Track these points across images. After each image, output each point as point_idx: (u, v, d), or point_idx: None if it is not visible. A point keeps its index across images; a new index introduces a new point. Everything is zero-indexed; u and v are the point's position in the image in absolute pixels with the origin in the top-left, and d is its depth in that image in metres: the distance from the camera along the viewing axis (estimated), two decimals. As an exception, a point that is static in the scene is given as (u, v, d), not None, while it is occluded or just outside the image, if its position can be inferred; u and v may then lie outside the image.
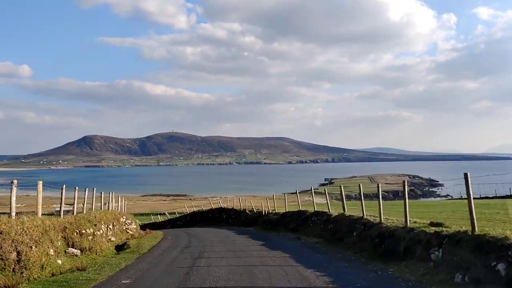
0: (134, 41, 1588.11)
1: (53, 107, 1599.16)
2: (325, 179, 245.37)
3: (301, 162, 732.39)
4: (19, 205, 15.86)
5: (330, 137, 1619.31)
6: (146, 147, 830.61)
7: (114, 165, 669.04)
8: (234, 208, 38.41)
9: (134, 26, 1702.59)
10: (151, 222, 55.45)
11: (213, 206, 45.73)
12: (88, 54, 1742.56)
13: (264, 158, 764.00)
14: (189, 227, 40.03)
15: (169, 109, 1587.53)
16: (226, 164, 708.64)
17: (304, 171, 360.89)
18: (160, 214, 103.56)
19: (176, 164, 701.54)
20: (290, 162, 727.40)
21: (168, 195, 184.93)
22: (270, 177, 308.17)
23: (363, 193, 18.47)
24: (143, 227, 43.07)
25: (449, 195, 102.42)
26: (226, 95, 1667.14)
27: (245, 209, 35.86)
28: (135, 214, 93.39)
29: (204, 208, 29.88)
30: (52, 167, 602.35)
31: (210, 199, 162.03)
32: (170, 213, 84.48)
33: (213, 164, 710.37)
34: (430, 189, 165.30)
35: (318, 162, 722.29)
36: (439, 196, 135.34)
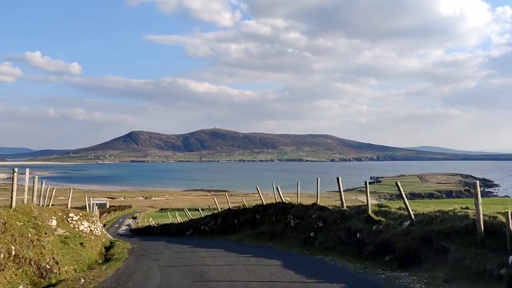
0: (178, 39, 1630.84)
1: (102, 104, 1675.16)
2: (371, 178, 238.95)
3: (344, 160, 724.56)
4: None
5: (374, 134, 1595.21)
6: (189, 143, 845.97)
7: (159, 161, 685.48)
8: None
9: (179, 24, 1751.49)
10: (169, 223, 37.56)
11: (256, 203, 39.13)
12: (135, 51, 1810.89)
13: (306, 156, 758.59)
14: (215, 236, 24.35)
15: (212, 106, 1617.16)
16: (267, 161, 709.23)
17: (348, 169, 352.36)
18: (198, 209, 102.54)
19: (218, 160, 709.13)
20: (332, 160, 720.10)
21: (209, 191, 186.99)
22: (313, 175, 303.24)
23: (413, 193, 13.95)
24: (140, 230, 38.82)
25: (507, 196, 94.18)
26: (268, 92, 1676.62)
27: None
28: (172, 209, 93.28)
29: (246, 204, 20.62)
30: (99, 162, 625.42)
31: (251, 195, 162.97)
32: (213, 209, 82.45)
33: (254, 160, 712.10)
34: (486, 189, 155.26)
35: (362, 160, 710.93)
36: (496, 196, 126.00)
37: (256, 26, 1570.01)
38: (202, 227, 27.16)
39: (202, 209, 36.44)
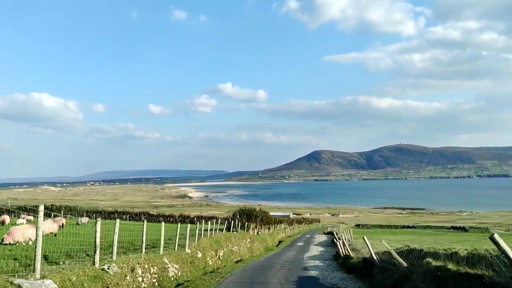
0: (358, 56, 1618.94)
1: (286, 127, 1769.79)
2: None
3: None
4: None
5: None
6: (372, 160, 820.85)
7: (342, 179, 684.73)
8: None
9: (358, 40, 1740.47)
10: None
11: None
12: (315, 73, 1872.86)
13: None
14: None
15: (396, 122, 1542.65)
16: (464, 177, 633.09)
17: None
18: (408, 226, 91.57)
19: (405, 178, 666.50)
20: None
21: (403, 208, 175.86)
22: None
23: None
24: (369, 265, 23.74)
25: None
26: (460, 102, 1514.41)
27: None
28: (373, 225, 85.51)
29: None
30: (285, 181, 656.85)
31: (458, 214, 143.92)
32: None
33: (448, 177, 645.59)
34: None
35: None
36: None
37: (443, 31, 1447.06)
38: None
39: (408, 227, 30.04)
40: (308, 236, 52.91)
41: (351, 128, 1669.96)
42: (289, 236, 52.51)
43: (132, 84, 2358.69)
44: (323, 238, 46.70)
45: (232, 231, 26.49)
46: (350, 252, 20.21)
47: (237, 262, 20.91)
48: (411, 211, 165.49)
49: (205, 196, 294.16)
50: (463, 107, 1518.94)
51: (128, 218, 49.67)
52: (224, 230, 25.18)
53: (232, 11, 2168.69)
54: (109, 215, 53.14)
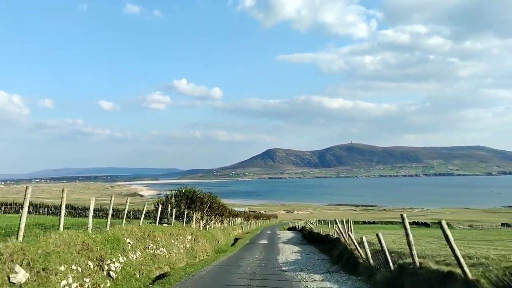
0: (313, 56, 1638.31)
1: (242, 125, 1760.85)
2: None
3: (504, 173, 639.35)
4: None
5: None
6: (325, 159, 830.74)
7: (295, 177, 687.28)
8: None
9: (312, 41, 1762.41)
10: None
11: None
12: (270, 72, 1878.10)
13: (457, 169, 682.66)
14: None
15: (348, 122, 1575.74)
16: (411, 176, 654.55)
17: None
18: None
19: (356, 176, 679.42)
20: (489, 174, 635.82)
21: (356, 205, 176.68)
22: (473, 189, 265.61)
23: None
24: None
25: None
26: (408, 104, 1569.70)
27: None
28: (324, 221, 78.91)
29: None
30: (240, 179, 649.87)
31: (409, 210, 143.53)
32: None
33: (397, 176, 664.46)
34: None
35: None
36: None
37: (394, 34, 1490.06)
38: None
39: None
40: (269, 232, 44.66)
41: (305, 127, 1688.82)
42: (247, 233, 43.41)
43: (82, 79, 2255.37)
44: (289, 234, 38.05)
45: (161, 223, 16.48)
46: (369, 255, 10.80)
47: (157, 278, 11.07)
48: (364, 207, 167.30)
49: (157, 194, 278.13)
50: (411, 108, 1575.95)
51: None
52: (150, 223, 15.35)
53: (188, 7, 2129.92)
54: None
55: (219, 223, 27.93)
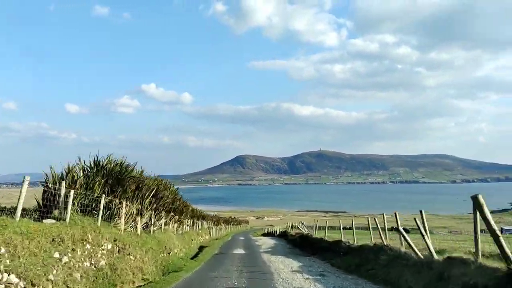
0: (283, 63, 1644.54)
1: (211, 131, 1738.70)
2: None
3: (467, 181, 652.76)
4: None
5: (500, 154, 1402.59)
6: (294, 166, 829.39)
7: (265, 184, 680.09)
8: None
9: (283, 48, 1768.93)
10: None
11: None
12: (242, 78, 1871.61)
13: (422, 177, 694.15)
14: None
15: (318, 129, 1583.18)
16: (378, 183, 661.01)
17: (478, 191, 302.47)
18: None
19: (325, 183, 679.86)
20: (454, 181, 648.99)
21: (326, 211, 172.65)
22: (439, 196, 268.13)
23: None
24: None
25: None
26: (377, 112, 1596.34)
27: None
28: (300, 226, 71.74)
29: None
30: (209, 185, 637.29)
31: (379, 217, 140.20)
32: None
33: (364, 183, 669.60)
34: None
35: (488, 181, 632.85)
36: None
37: (363, 43, 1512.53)
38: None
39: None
40: (242, 238, 36.75)
41: (275, 133, 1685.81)
42: (216, 239, 35.04)
43: (48, 81, 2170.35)
44: (268, 241, 29.71)
45: (49, 217, 7.99)
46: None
47: None
48: (334, 214, 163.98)
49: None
50: (380, 116, 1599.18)
51: None
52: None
53: (158, 11, 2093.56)
54: None
55: (176, 224, 19.29)
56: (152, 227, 13.99)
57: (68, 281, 7.23)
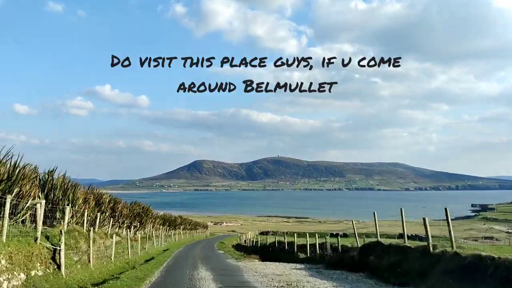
0: (242, 69, 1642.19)
1: (168, 136, 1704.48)
2: (473, 205, 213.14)
3: (420, 189, 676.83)
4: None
5: (448, 163, 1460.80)
6: (252, 172, 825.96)
7: (222, 189, 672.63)
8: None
9: (243, 53, 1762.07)
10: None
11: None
12: (201, 82, 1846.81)
13: (377, 184, 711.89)
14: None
15: (275, 136, 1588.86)
16: (335, 189, 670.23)
17: (433, 198, 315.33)
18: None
19: (282, 189, 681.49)
20: (407, 189, 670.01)
21: (289, 217, 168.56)
22: (398, 203, 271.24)
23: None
24: None
25: None
26: (332, 120, 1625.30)
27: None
28: (273, 232, 64.88)
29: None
30: (164, 190, 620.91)
31: (345, 222, 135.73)
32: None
33: (321, 189, 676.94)
34: None
35: (439, 190, 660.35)
36: None
37: (322, 52, 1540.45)
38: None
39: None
40: (203, 260, 22.59)
41: (233, 139, 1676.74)
42: (165, 249, 23.29)
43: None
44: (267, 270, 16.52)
45: None
46: None
47: None
48: (297, 219, 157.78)
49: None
50: (335, 125, 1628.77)
51: None
52: None
53: (115, 9, 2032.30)
54: None
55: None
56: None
57: None
